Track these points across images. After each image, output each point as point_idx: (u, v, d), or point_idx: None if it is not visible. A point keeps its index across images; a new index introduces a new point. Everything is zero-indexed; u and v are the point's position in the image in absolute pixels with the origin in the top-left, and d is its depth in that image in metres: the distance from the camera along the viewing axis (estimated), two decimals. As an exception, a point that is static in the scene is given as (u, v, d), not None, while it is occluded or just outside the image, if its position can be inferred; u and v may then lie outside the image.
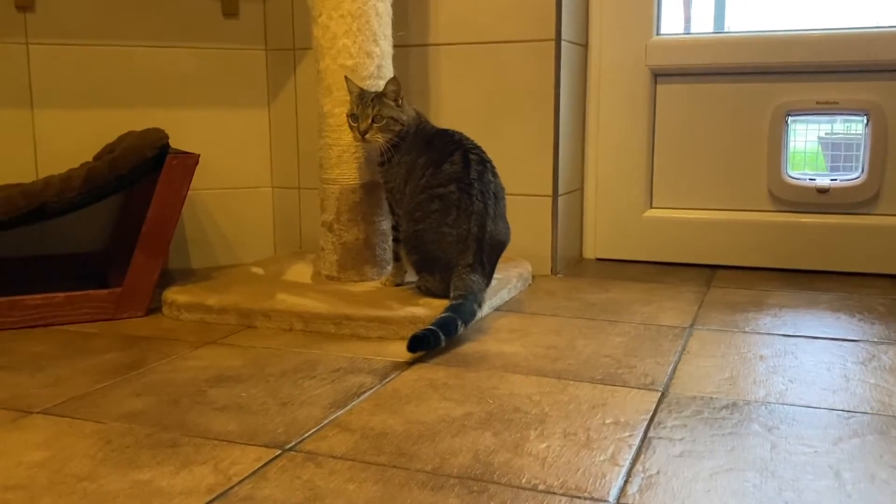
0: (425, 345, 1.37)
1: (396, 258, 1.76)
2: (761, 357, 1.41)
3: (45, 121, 2.04)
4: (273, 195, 2.29)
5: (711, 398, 1.21)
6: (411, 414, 1.15)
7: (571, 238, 2.19)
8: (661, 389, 1.25)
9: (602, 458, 1.01)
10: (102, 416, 1.15)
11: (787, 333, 1.55)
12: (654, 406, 1.18)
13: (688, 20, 2.30)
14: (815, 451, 1.02)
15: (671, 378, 1.30)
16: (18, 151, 2.02)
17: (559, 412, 1.15)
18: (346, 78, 1.67)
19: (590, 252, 2.26)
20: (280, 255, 2.16)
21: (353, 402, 1.19)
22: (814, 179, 2.07)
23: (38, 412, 1.17)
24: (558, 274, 2.07)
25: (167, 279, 1.99)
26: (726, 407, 1.17)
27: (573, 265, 2.19)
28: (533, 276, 2.00)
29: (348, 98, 1.69)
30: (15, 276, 1.99)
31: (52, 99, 2.04)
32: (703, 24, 2.29)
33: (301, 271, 1.91)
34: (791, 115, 2.06)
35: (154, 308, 1.72)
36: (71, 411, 1.17)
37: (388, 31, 1.78)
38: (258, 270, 1.92)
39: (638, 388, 1.25)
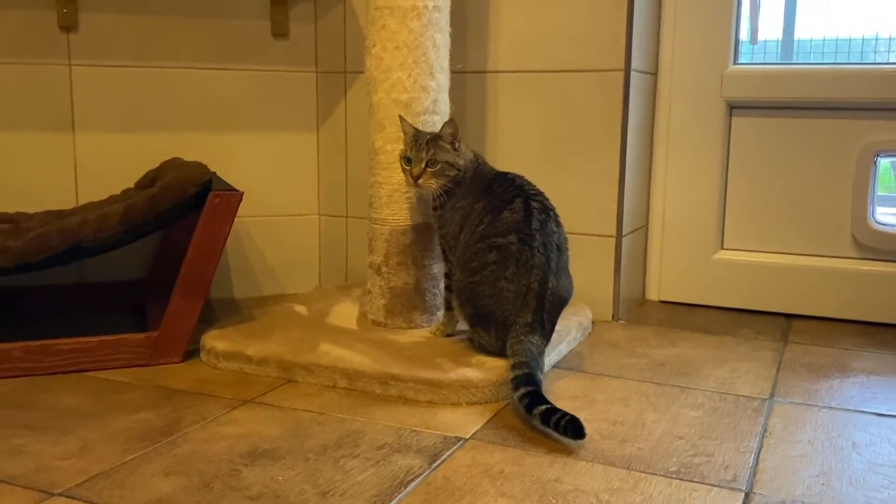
0: (541, 400, 1.29)
1: (448, 306, 1.64)
2: (854, 445, 1.26)
3: (87, 144, 1.96)
4: (320, 223, 2.19)
5: (803, 504, 1.07)
6: (465, 515, 1.03)
7: (634, 279, 2.04)
8: (744, 489, 1.11)
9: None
10: (128, 502, 1.05)
11: (880, 412, 1.39)
12: (738, 514, 1.04)
13: (755, 30, 2.13)
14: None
15: (754, 472, 1.16)
16: (59, 176, 1.95)
17: (631, 520, 1.02)
18: (400, 117, 1.56)
19: (653, 293, 2.11)
20: (325, 289, 2.05)
21: (400, 495, 1.08)
22: (903, 226, 1.90)
23: (59, 494, 1.07)
24: (620, 320, 1.93)
25: (207, 314, 1.90)
26: (822, 519, 1.03)
27: (635, 308, 2.04)
28: (593, 322, 1.87)
29: (401, 136, 1.58)
30: (52, 303, 1.93)
31: (94, 122, 1.96)
32: (771, 32, 2.12)
33: (346, 312, 1.80)
34: (881, 156, 1.89)
35: (192, 350, 1.63)
36: (95, 494, 1.07)
37: (446, 64, 1.66)
38: (301, 309, 1.82)
39: (719, 487, 1.11)
